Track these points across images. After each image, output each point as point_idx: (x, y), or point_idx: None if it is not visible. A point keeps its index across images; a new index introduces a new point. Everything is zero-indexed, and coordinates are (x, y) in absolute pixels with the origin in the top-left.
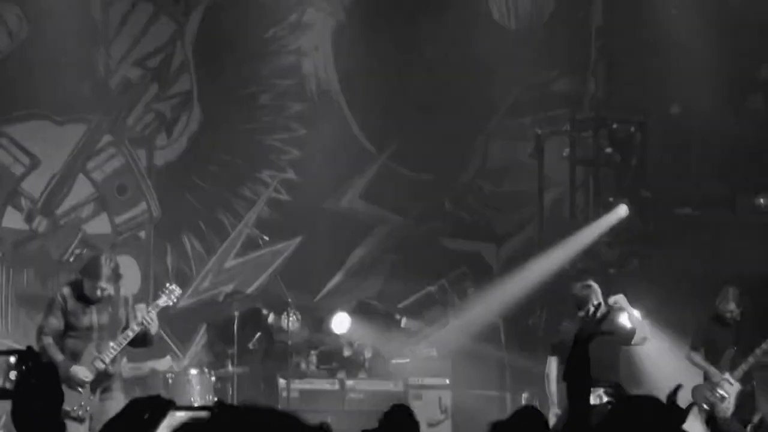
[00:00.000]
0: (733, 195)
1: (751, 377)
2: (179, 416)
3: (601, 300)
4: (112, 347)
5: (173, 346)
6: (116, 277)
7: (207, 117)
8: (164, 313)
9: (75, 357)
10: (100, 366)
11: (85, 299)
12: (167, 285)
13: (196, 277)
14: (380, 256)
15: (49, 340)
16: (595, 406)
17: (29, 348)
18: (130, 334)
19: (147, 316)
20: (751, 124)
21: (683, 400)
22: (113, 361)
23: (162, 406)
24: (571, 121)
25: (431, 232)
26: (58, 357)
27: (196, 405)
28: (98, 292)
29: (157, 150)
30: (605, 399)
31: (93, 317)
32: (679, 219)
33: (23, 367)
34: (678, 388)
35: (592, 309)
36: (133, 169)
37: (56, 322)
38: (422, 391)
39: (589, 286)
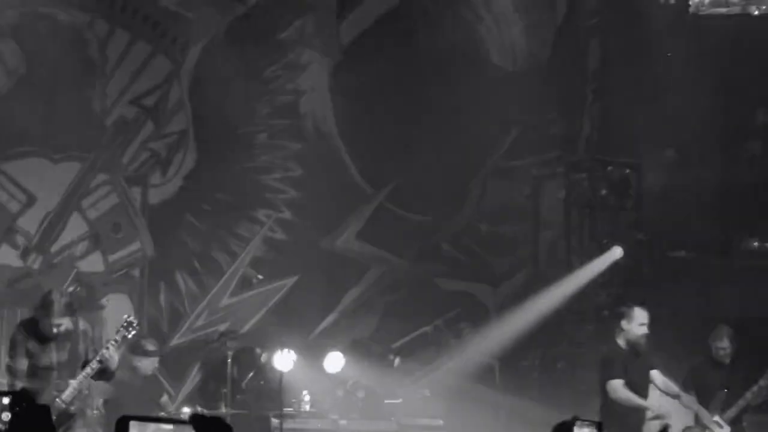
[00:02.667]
0: (727, 238)
1: (741, 420)
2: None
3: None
4: (72, 385)
5: (166, 385)
6: (71, 311)
7: (202, 156)
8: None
9: (37, 397)
10: (60, 405)
11: (42, 337)
12: (125, 318)
13: (190, 316)
14: (375, 296)
15: (23, 383)
16: None
17: (23, 389)
18: (89, 371)
19: (105, 353)
20: (746, 167)
21: None
22: (74, 399)
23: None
24: (567, 163)
25: (427, 272)
26: (38, 400)
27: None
28: (53, 329)
29: (152, 188)
30: None
31: (53, 356)
32: (674, 262)
33: (17, 408)
34: (665, 429)
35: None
36: (128, 207)
37: (23, 362)
38: (415, 431)
39: (628, 308)
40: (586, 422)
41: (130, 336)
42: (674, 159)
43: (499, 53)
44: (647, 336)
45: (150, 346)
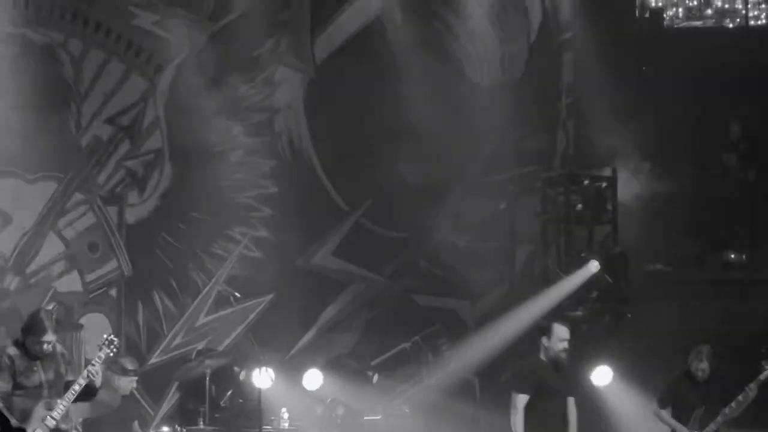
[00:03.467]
0: (703, 251)
1: None
2: None
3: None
4: (61, 404)
5: (144, 404)
6: (59, 329)
7: (178, 174)
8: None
9: (25, 416)
10: (51, 424)
11: (30, 356)
12: (105, 336)
13: (167, 335)
14: (353, 314)
15: (4, 404)
16: None
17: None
18: (77, 389)
19: (92, 370)
20: (721, 180)
21: None
22: (64, 417)
23: None
24: (543, 178)
25: (405, 289)
26: (12, 422)
27: None
28: (44, 347)
29: (129, 207)
30: None
31: (41, 375)
32: (650, 275)
33: None
34: None
35: None
36: (104, 226)
37: (3, 384)
38: None
39: (548, 325)
40: None
41: (111, 354)
42: (650, 172)
43: (474, 69)
44: (566, 351)
45: (129, 365)
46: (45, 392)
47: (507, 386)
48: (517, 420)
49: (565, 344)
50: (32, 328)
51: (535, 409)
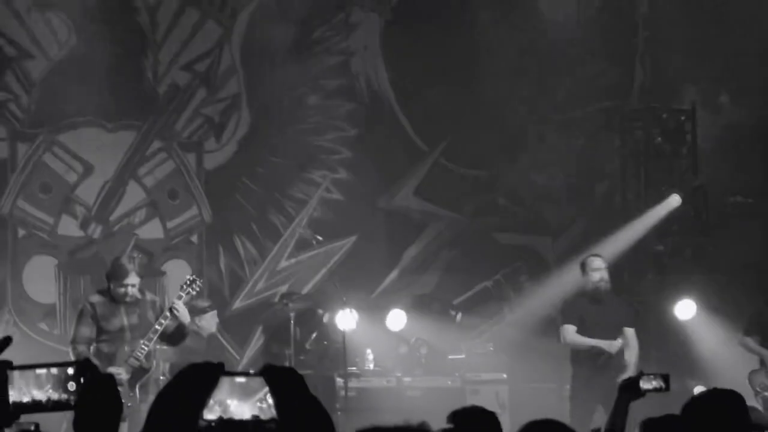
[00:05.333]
0: None
1: None
2: (232, 380)
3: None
4: (144, 343)
5: (230, 348)
6: (141, 274)
7: (256, 120)
8: (219, 316)
9: (110, 359)
10: (134, 363)
11: (114, 302)
12: (187, 277)
13: (249, 280)
14: (435, 253)
15: (82, 348)
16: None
17: (87, 360)
18: (158, 328)
19: (175, 306)
20: None
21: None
22: (147, 356)
23: (215, 370)
24: (621, 113)
25: (485, 227)
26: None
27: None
28: (127, 290)
29: (207, 154)
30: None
31: (123, 319)
32: (732, 207)
33: (82, 379)
34: (640, 375)
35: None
36: (184, 173)
37: (87, 330)
38: (479, 386)
39: (583, 261)
40: (652, 375)
41: (194, 293)
42: (728, 103)
43: (550, 5)
44: (605, 281)
45: (203, 303)
46: (128, 335)
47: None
48: (576, 339)
49: (601, 274)
50: (115, 273)
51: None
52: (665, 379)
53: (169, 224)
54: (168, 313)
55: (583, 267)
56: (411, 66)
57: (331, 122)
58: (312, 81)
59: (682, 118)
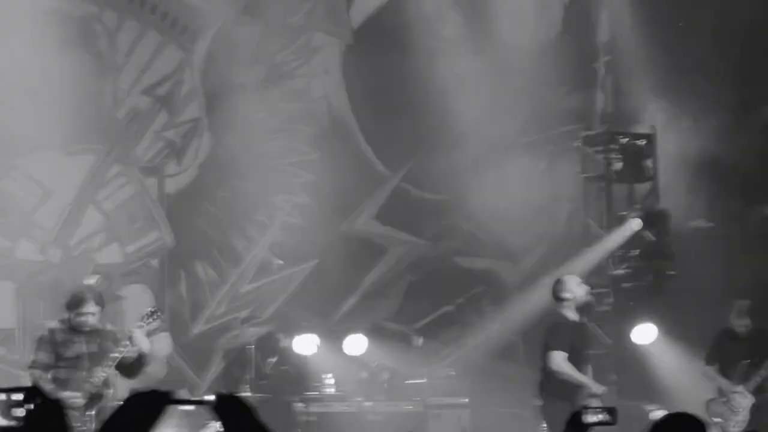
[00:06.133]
0: (744, 206)
1: (764, 390)
2: (178, 409)
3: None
4: (102, 370)
5: (190, 373)
6: (101, 304)
7: (217, 143)
8: (179, 340)
9: (67, 386)
10: (91, 388)
11: (73, 330)
12: (148, 308)
13: (211, 304)
14: (396, 277)
15: (37, 373)
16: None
17: (34, 386)
18: (116, 355)
19: (134, 335)
20: (763, 135)
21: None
22: (105, 382)
23: (161, 398)
24: (582, 137)
25: (447, 251)
26: (48, 386)
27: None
28: (86, 318)
29: (168, 178)
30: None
31: (83, 346)
32: (692, 232)
33: (32, 405)
34: (584, 409)
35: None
36: (145, 197)
37: (45, 356)
38: (441, 410)
39: (559, 281)
40: (598, 408)
41: (155, 325)
42: (689, 128)
43: (510, 30)
44: (592, 294)
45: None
46: (86, 363)
47: (545, 344)
48: (571, 372)
49: (585, 287)
50: (73, 301)
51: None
52: (611, 412)
53: (129, 248)
54: (128, 342)
55: (564, 288)
56: (372, 90)
57: (292, 146)
58: (273, 105)
59: (643, 142)
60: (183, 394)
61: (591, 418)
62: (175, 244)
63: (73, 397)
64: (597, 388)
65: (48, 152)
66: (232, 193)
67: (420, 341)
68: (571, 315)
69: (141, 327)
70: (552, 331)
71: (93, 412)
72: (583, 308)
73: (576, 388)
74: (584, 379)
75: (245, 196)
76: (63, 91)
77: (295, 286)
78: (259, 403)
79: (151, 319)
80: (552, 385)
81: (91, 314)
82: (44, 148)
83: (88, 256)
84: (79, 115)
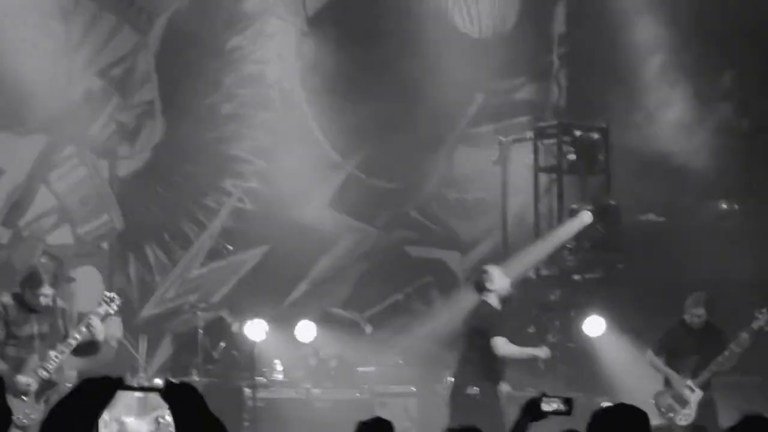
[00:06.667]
0: (696, 200)
1: (710, 384)
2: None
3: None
4: (55, 356)
5: (137, 356)
6: (56, 283)
7: (170, 127)
8: (128, 323)
9: (18, 364)
10: (44, 374)
11: (27, 308)
12: (105, 294)
13: (159, 288)
14: (347, 265)
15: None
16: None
17: None
18: (72, 342)
19: (91, 323)
20: (714, 130)
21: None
22: (58, 369)
23: (112, 384)
24: (535, 129)
25: (397, 240)
26: (1, 366)
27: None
28: (41, 300)
29: (120, 160)
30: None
31: (34, 326)
32: (643, 225)
33: None
34: (541, 397)
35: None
36: (96, 179)
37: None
38: (388, 399)
39: (485, 271)
40: (555, 397)
41: (112, 311)
42: (641, 122)
43: (465, 21)
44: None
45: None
46: (37, 343)
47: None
48: (517, 349)
49: (508, 278)
50: (29, 281)
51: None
52: (567, 402)
53: (80, 230)
54: (84, 329)
55: (488, 278)
56: (326, 77)
57: (245, 131)
58: (226, 89)
59: (596, 135)
60: (128, 379)
61: (547, 406)
62: (125, 227)
63: (27, 383)
64: (544, 352)
65: None
66: (183, 177)
67: (369, 329)
68: (495, 304)
69: (98, 315)
70: (486, 318)
71: (41, 404)
72: (505, 300)
73: (501, 371)
74: (530, 351)
75: (196, 181)
76: (16, 71)
77: (244, 272)
78: (207, 387)
79: (107, 307)
80: (479, 369)
81: (45, 296)
82: None
83: (38, 237)
84: (31, 95)
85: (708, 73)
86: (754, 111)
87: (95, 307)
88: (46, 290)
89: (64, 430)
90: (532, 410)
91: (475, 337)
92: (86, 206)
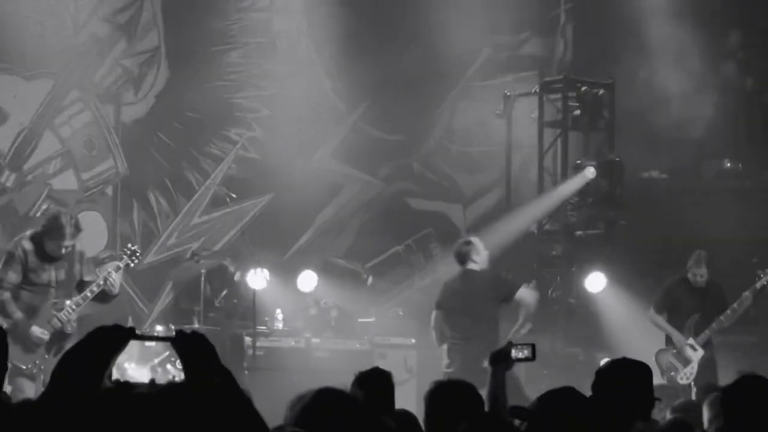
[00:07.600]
0: (699, 159)
1: (711, 343)
2: (140, 344)
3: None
4: (70, 307)
5: (139, 303)
6: (77, 233)
7: (174, 74)
8: (130, 270)
9: (32, 312)
10: (57, 325)
11: (47, 257)
12: (129, 246)
13: (162, 234)
14: (349, 216)
15: (6, 296)
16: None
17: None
18: (89, 296)
19: (110, 278)
20: (720, 90)
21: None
22: (70, 319)
23: (125, 333)
24: (540, 83)
25: (399, 192)
26: (17, 315)
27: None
28: (62, 251)
29: (125, 106)
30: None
31: (52, 274)
32: (646, 182)
33: None
34: (510, 345)
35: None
36: (101, 125)
37: (15, 276)
38: (388, 350)
39: (470, 243)
40: (521, 345)
41: (132, 265)
42: (647, 79)
43: None
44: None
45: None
46: (53, 291)
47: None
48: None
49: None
50: (53, 231)
51: None
52: (532, 349)
53: (84, 175)
54: (102, 282)
55: (474, 250)
56: (333, 27)
57: (249, 80)
58: (233, 37)
59: (601, 91)
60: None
61: (519, 353)
62: (128, 173)
63: (42, 333)
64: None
65: (4, 75)
66: (186, 124)
67: (370, 280)
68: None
69: (119, 269)
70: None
71: (52, 354)
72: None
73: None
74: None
75: (200, 128)
76: (22, 15)
77: (247, 220)
78: (207, 335)
79: (129, 260)
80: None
81: (66, 248)
82: (1, 71)
83: (42, 181)
84: (37, 39)
85: (714, 32)
86: (758, 70)
87: (103, 254)
88: (69, 242)
89: (75, 378)
90: (502, 359)
91: (496, 300)
92: (90, 151)
